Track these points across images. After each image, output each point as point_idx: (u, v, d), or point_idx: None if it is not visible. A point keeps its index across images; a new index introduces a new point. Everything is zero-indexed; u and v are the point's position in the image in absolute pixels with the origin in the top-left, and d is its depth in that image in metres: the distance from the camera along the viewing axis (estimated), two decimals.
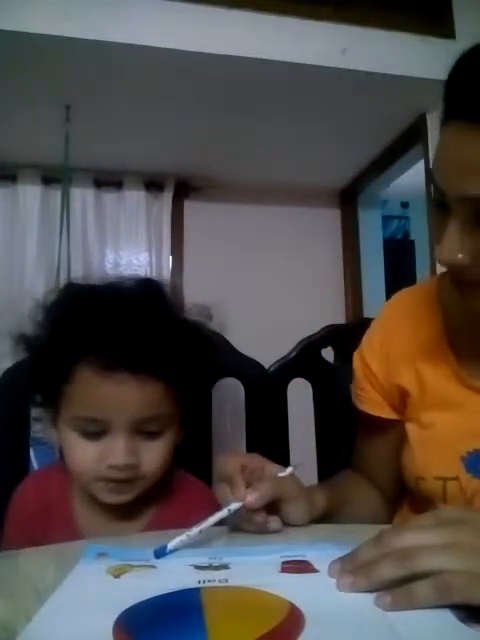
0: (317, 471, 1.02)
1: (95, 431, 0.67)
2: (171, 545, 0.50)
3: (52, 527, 0.74)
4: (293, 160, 2.67)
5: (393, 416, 0.76)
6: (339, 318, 2.76)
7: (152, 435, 0.69)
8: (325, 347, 1.07)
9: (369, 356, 0.78)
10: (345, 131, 2.38)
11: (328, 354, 1.06)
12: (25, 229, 2.69)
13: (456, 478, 0.66)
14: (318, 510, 0.65)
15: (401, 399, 0.75)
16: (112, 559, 0.48)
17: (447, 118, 0.55)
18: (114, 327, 0.66)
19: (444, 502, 0.67)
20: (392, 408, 0.76)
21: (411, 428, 0.73)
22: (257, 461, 0.63)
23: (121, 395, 0.66)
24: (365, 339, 0.81)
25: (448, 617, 0.35)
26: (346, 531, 0.61)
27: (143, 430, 0.68)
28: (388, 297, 0.85)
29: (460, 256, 0.56)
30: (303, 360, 1.05)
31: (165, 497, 0.76)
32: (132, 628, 0.34)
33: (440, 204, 0.58)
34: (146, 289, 0.74)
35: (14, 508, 0.78)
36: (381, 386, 0.76)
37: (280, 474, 0.62)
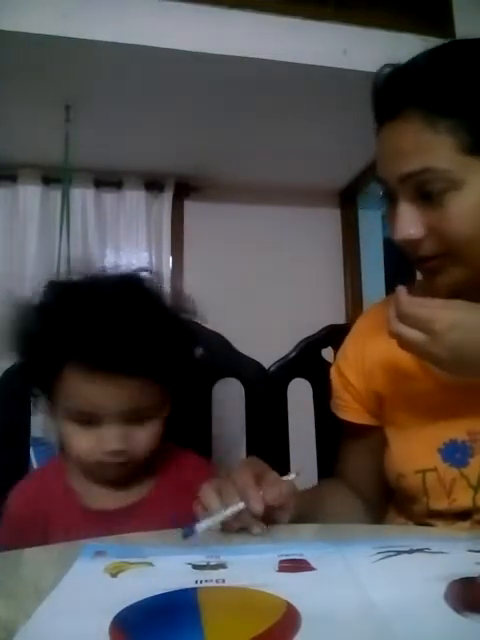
0: (317, 471, 1.02)
1: (88, 420, 0.72)
2: (199, 527, 0.54)
3: (55, 514, 0.78)
4: (293, 160, 2.66)
5: (372, 422, 0.79)
6: (339, 318, 2.76)
7: (142, 420, 0.74)
8: (325, 347, 1.07)
9: (345, 367, 0.81)
10: (345, 131, 2.37)
11: (328, 354, 1.06)
12: (25, 229, 2.68)
13: (434, 469, 0.69)
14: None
15: (378, 404, 0.78)
16: (110, 557, 0.48)
17: (394, 115, 0.64)
18: (96, 333, 0.69)
19: (424, 493, 0.70)
20: (371, 415, 0.79)
21: (390, 430, 0.77)
22: (268, 473, 0.63)
23: (106, 394, 0.70)
24: (339, 353, 0.85)
25: (445, 612, 0.35)
26: (343, 530, 0.62)
27: (133, 418, 0.73)
28: None
29: (413, 231, 0.63)
30: (303, 360, 1.05)
31: (162, 472, 0.81)
32: (128, 628, 0.34)
33: (390, 198, 0.66)
34: (127, 287, 0.75)
35: (11, 507, 0.80)
36: (359, 394, 0.79)
37: (285, 478, 0.63)
